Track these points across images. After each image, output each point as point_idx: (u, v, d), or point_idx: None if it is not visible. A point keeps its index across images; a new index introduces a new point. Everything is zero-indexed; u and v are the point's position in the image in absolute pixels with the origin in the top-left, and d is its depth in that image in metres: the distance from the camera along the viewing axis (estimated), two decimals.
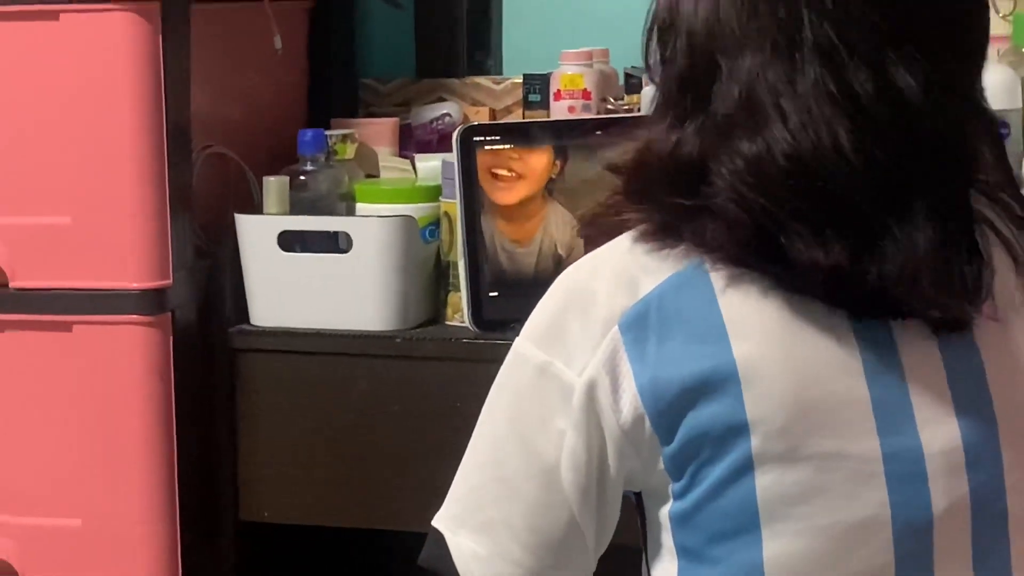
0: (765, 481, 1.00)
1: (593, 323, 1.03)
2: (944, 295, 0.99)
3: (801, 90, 0.99)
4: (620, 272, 1.04)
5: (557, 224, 1.76)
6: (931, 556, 1.02)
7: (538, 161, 1.77)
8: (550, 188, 1.77)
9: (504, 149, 1.76)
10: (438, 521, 1.09)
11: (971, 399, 1.03)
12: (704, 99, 1.02)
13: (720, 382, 1.00)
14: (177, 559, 1.79)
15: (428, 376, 1.77)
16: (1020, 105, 1.84)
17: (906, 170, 0.99)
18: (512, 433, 1.06)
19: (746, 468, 1.00)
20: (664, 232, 1.03)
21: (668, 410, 1.01)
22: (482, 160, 1.76)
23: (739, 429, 1.00)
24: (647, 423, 1.02)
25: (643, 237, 1.04)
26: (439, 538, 1.08)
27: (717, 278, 1.02)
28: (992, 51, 1.35)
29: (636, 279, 1.03)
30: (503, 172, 1.76)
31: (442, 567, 1.07)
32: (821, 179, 0.98)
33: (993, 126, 1.06)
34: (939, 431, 1.03)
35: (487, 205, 1.76)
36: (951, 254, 0.99)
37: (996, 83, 1.70)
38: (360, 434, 1.78)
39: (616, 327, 1.02)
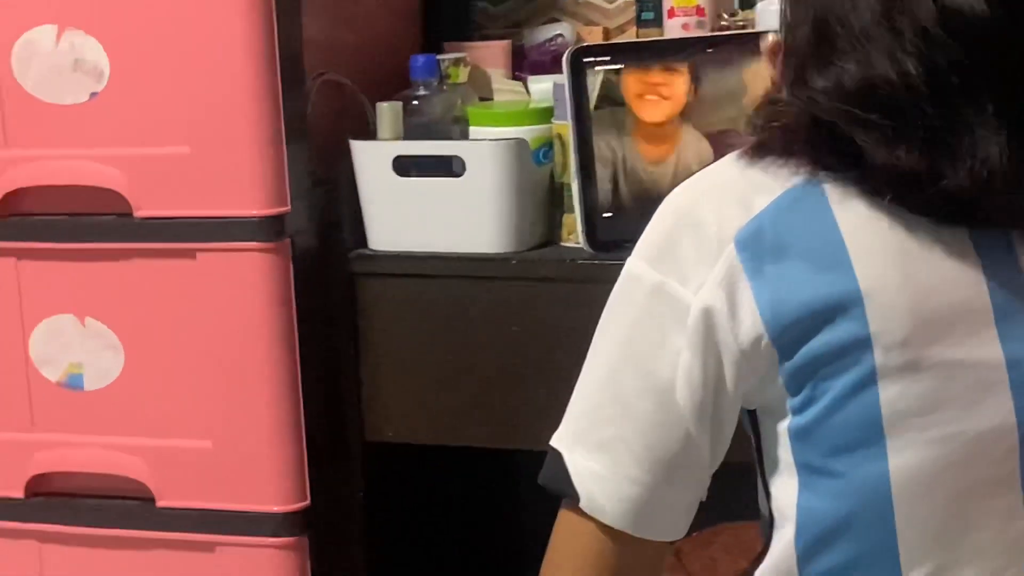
0: (888, 394, 1.00)
1: (707, 241, 1.04)
2: (1020, 201, 0.98)
3: (862, 23, 0.99)
4: (730, 190, 1.05)
5: (689, 144, 1.75)
6: None
7: (681, 83, 1.75)
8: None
9: (651, 71, 1.74)
10: (556, 441, 1.11)
11: None
12: (791, 38, 1.04)
13: (845, 306, 1.00)
14: (305, 478, 1.83)
15: (545, 297, 1.77)
16: None
17: (978, 87, 0.98)
18: (627, 353, 1.07)
19: (869, 381, 1.00)
20: (763, 148, 1.04)
21: (790, 330, 1.01)
22: (632, 80, 1.74)
23: (861, 345, 1.00)
24: (766, 340, 1.02)
25: (745, 154, 1.06)
26: (558, 457, 1.10)
27: (833, 195, 1.02)
28: None
29: (748, 196, 1.04)
30: (651, 96, 1.74)
31: (563, 486, 1.09)
32: (892, 103, 0.98)
33: None
34: None
35: (626, 126, 1.74)
36: None
37: None
38: (478, 355, 1.80)
39: (732, 245, 1.03)
